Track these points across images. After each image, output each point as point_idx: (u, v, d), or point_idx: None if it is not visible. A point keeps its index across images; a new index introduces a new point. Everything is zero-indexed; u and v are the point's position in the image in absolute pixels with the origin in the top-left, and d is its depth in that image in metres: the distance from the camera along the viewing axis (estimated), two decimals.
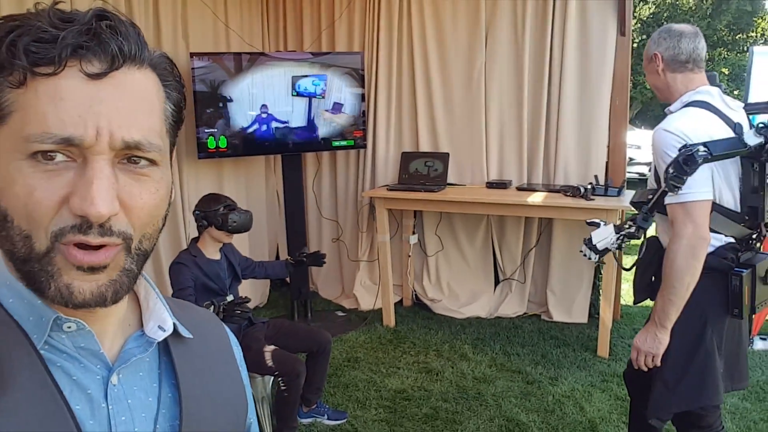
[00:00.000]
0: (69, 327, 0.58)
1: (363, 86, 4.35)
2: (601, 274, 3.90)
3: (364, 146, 4.48)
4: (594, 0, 3.84)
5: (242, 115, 4.01)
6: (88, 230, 0.54)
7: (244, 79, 3.98)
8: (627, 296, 4.56)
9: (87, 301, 0.56)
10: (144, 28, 3.74)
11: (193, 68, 3.80)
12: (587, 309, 4.21)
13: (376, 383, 3.39)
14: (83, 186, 0.53)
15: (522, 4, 4.04)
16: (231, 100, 3.96)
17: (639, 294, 2.07)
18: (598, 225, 2.21)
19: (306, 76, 4.15)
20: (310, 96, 4.18)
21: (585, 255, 2.04)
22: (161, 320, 0.67)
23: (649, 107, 19.33)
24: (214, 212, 2.74)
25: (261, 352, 2.70)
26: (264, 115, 4.05)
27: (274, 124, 4.10)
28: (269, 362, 2.67)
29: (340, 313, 4.59)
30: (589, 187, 3.56)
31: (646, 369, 1.91)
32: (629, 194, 3.49)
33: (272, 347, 2.75)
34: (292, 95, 4.13)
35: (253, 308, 4.64)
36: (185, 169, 4.15)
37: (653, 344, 1.86)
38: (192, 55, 3.84)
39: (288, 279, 4.01)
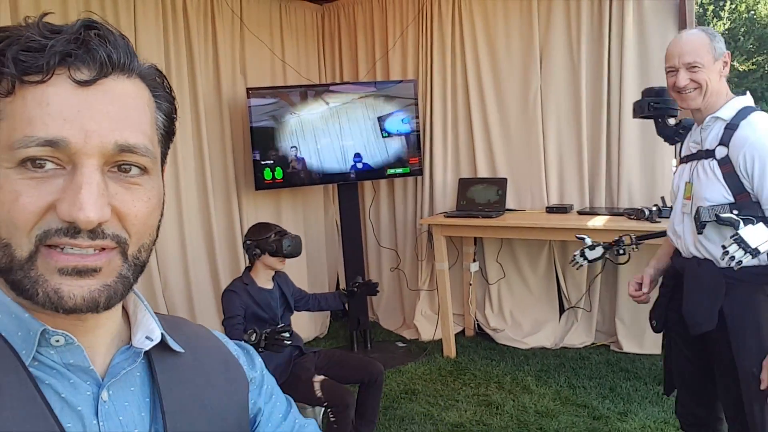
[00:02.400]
0: (57, 341, 0.57)
1: (417, 113, 4.33)
2: None
3: (420, 173, 4.44)
4: (653, 14, 3.69)
5: (300, 147, 4.07)
6: (77, 235, 0.53)
7: (302, 111, 4.05)
8: None
9: (78, 306, 0.55)
10: (204, 64, 3.90)
11: (249, 105, 3.90)
12: (660, 339, 3.94)
13: (433, 417, 3.28)
14: (72, 192, 0.53)
15: (576, 24, 3.93)
16: (289, 133, 4.03)
17: (705, 324, 1.86)
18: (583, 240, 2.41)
19: (390, 114, 4.22)
20: (404, 134, 4.29)
21: (732, 257, 1.71)
22: (149, 331, 0.66)
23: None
24: (265, 239, 2.77)
25: (310, 382, 2.67)
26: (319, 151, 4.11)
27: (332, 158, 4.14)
28: (318, 393, 2.63)
29: (400, 344, 4.51)
30: (654, 209, 3.37)
31: None
32: None
33: (321, 377, 2.71)
34: (383, 137, 4.22)
35: (312, 338, 4.67)
36: (244, 200, 4.23)
37: None
38: (249, 90, 3.94)
39: (347, 307, 3.98)
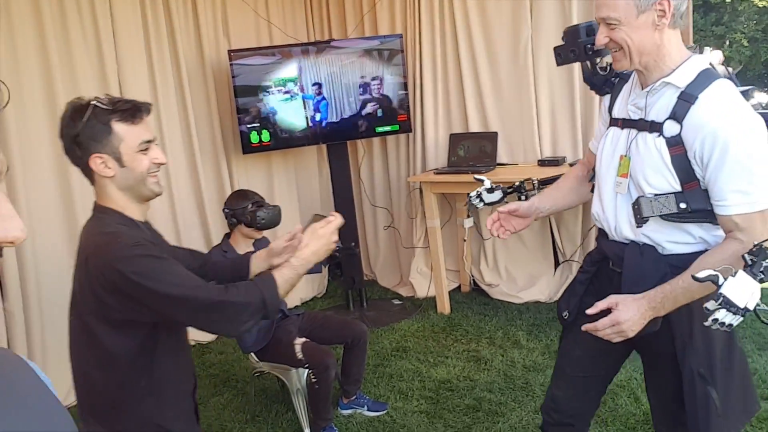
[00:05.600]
0: None
1: (405, 68, 4.25)
2: None
3: (410, 130, 4.38)
4: None
5: (283, 108, 4.02)
6: None
7: (285, 71, 3.99)
8: None
9: None
10: (184, 27, 3.85)
11: (231, 64, 3.85)
12: None
13: (422, 373, 3.32)
14: None
15: None
16: (272, 94, 3.98)
17: (650, 324, 1.52)
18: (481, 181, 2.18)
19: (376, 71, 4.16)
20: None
21: (723, 323, 1.29)
22: None
23: (748, 67, 17.86)
24: (242, 210, 2.76)
25: (291, 345, 2.70)
26: (314, 101, 4.06)
27: (318, 116, 4.10)
28: (299, 355, 2.67)
29: (396, 302, 4.54)
30: None
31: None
32: None
33: (303, 339, 2.74)
34: (370, 95, 4.16)
35: (310, 298, 4.72)
36: (234, 164, 4.22)
37: (638, 326, 1.45)
38: (230, 52, 3.88)
39: (326, 271, 3.97)
